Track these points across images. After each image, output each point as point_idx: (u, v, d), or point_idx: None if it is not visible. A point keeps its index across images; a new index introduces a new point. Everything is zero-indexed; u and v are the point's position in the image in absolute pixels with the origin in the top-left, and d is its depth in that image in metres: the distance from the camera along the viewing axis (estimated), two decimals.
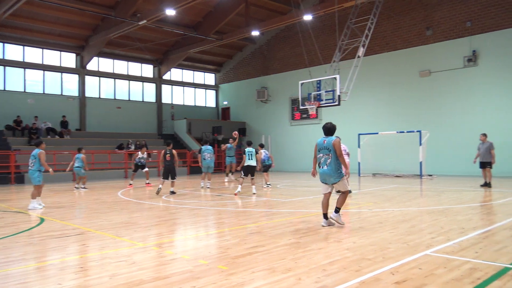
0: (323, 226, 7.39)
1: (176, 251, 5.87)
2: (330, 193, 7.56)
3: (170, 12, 21.16)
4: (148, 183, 17.59)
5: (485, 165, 14.51)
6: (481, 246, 5.78)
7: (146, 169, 17.54)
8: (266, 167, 15.72)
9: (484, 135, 14.78)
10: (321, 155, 7.48)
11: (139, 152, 17.49)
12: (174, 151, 13.52)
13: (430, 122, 21.85)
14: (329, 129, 7.53)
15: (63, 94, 26.98)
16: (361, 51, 19.94)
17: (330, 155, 7.35)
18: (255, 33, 25.30)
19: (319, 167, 7.55)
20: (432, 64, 22.34)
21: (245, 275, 4.62)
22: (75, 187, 16.33)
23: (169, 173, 13.37)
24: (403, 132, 20.45)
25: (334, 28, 22.98)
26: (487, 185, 14.37)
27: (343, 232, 6.92)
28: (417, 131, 19.76)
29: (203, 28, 27.15)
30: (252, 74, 32.16)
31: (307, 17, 22.63)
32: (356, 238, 6.40)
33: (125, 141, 26.19)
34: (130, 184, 17.01)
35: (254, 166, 13.24)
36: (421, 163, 19.41)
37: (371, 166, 22.17)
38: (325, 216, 7.47)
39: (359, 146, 22.15)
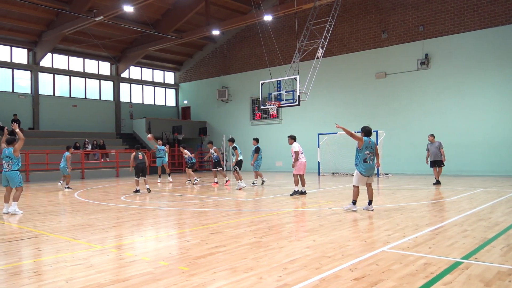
0: (355, 210, 8.90)
1: (135, 253, 5.75)
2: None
3: (128, 8, 20.70)
4: (228, 181, 17.01)
5: (438, 164, 15.12)
6: (434, 241, 6.03)
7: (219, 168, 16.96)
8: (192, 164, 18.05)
9: (432, 135, 15.43)
10: (367, 152, 8.86)
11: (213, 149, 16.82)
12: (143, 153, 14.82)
13: (386, 123, 22.56)
14: (370, 131, 9.08)
15: (15, 91, 25.80)
16: (320, 52, 20.30)
17: (373, 153, 8.92)
18: (216, 32, 25.19)
19: (366, 162, 8.86)
20: (388, 66, 23.07)
21: (206, 275, 4.59)
22: (59, 183, 16.16)
23: (141, 171, 14.21)
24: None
25: (293, 29, 23.28)
26: (439, 183, 15.03)
27: (304, 231, 7.03)
28: (374, 131, 20.32)
29: (162, 26, 26.74)
30: (212, 73, 32.01)
31: (267, 18, 22.78)
32: (316, 236, 6.51)
33: (81, 140, 25.38)
34: (226, 182, 16.80)
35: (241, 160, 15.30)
36: None
37: (331, 165, 22.63)
38: (355, 202, 8.99)
39: (318, 146, 22.55)
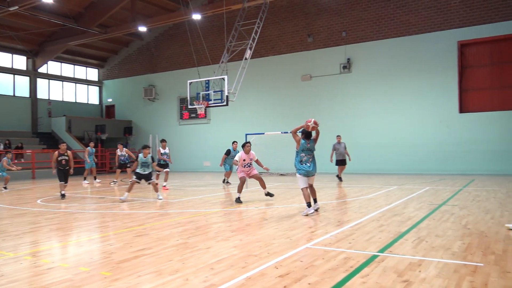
0: (313, 212, 8.58)
1: (53, 260, 5.43)
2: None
3: None
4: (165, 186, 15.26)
5: (343, 162, 16.88)
6: (354, 237, 6.36)
7: (167, 169, 15.33)
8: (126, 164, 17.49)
9: (339, 136, 17.16)
10: (303, 155, 8.75)
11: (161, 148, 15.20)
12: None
13: None
14: (308, 134, 8.97)
15: None
16: (248, 53, 20.51)
17: (311, 155, 8.83)
18: (142, 28, 24.53)
19: (302, 165, 8.70)
20: (313, 69, 23.91)
21: (130, 279, 4.46)
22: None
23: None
24: (287, 132, 21.51)
25: (222, 29, 23.31)
26: (340, 179, 16.77)
27: (230, 230, 7.07)
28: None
29: (85, 19, 25.47)
30: (138, 71, 31.09)
31: (196, 16, 22.60)
32: (243, 236, 6.58)
33: None
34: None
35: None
36: None
37: (257, 165, 22.93)
38: (310, 204, 8.68)
39: None
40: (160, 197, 11.71)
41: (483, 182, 15.29)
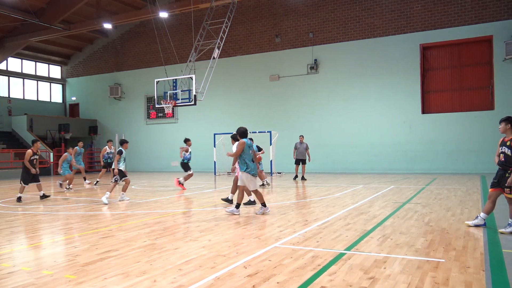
0: (269, 210, 8.67)
1: (14, 263, 5.24)
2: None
3: None
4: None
5: (303, 162, 17.28)
6: (321, 235, 6.46)
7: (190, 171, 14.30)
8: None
9: (302, 136, 17.64)
10: (251, 151, 8.60)
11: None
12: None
13: (279, 123, 23.52)
14: (245, 132, 8.70)
15: None
16: (216, 52, 20.43)
17: (254, 151, 8.77)
18: (107, 25, 23.99)
19: (253, 162, 8.58)
20: (281, 70, 24.08)
21: (96, 282, 4.37)
22: None
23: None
24: (255, 132, 21.58)
25: (190, 27, 23.13)
26: (303, 178, 17.06)
27: (199, 231, 7.04)
28: (268, 132, 21.10)
29: (47, 15, 24.63)
30: (104, 69, 30.40)
31: (163, 14, 22.31)
32: (211, 236, 6.56)
33: None
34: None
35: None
36: (271, 161, 20.79)
37: (226, 165, 22.90)
38: (265, 204, 8.68)
39: (214, 146, 22.70)
40: (127, 198, 11.49)
41: (444, 181, 15.84)
